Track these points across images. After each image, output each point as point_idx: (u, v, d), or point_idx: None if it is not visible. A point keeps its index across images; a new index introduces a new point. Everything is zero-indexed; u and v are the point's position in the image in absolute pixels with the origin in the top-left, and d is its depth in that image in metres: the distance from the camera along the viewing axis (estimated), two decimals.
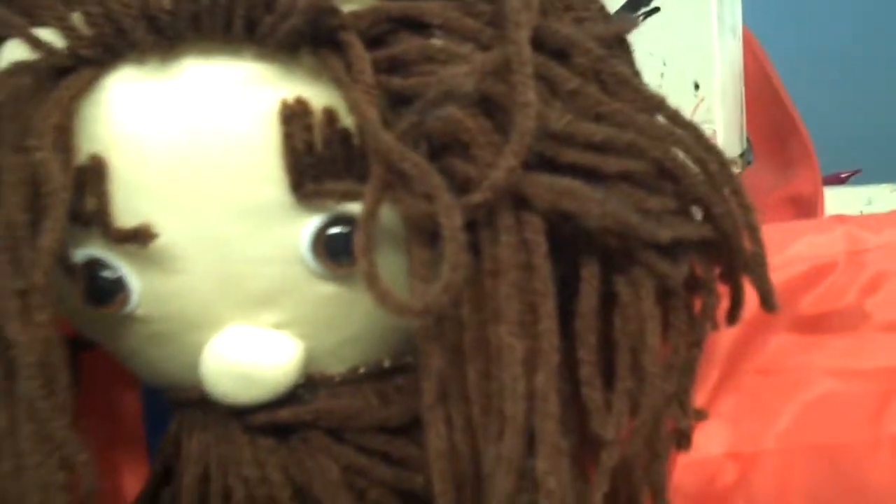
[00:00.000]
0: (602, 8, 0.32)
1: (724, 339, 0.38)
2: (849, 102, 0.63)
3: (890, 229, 0.39)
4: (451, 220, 0.25)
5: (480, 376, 0.27)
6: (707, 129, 0.55)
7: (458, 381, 0.27)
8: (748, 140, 0.58)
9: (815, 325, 0.39)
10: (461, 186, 0.26)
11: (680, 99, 0.54)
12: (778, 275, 0.38)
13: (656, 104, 0.30)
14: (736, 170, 0.57)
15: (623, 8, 0.59)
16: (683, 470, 0.39)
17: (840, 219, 0.41)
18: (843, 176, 0.65)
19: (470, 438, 0.28)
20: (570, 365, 0.29)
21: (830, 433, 0.38)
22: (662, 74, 0.58)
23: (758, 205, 0.49)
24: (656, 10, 0.58)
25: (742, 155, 0.57)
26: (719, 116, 0.56)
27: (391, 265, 0.28)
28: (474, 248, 0.27)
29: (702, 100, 0.56)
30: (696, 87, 0.57)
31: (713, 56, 0.56)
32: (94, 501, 0.30)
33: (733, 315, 0.33)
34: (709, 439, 0.39)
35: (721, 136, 0.56)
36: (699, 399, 0.38)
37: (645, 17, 0.59)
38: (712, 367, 0.39)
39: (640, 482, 0.31)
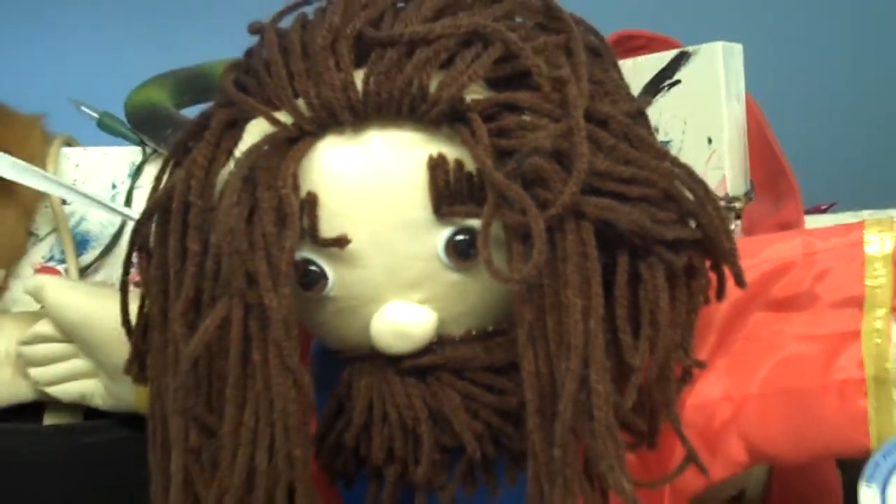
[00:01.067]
0: (629, 92, 0.48)
1: (718, 314, 0.53)
2: (828, 150, 0.77)
3: (833, 238, 0.54)
4: (538, 225, 0.41)
5: (555, 323, 0.42)
6: (719, 173, 0.70)
7: (541, 328, 0.43)
8: (751, 181, 0.71)
9: (782, 305, 0.53)
10: (542, 205, 0.42)
11: (697, 151, 0.69)
12: (755, 270, 0.53)
13: (664, 153, 0.45)
14: (740, 204, 0.71)
15: (652, 80, 0.72)
16: (691, 410, 0.53)
17: (799, 232, 0.56)
18: (822, 208, 0.79)
19: (548, 364, 0.43)
20: (611, 319, 0.44)
21: (795, 381, 0.52)
22: (684, 132, 0.70)
23: (756, 229, 0.64)
24: (678, 82, 0.70)
25: (746, 193, 0.70)
26: (728, 164, 0.68)
27: (497, 258, 0.44)
28: (551, 244, 0.42)
29: (714, 151, 0.69)
30: (710, 141, 0.69)
31: (722, 117, 0.68)
32: (312, 412, 0.45)
33: (720, 293, 0.49)
34: (709, 387, 0.54)
35: (729, 179, 0.68)
36: (701, 355, 0.52)
37: (669, 88, 0.72)
38: (710, 334, 0.53)
39: (657, 398, 0.47)
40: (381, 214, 0.44)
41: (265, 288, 0.43)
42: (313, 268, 0.45)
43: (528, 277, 0.41)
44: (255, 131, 0.46)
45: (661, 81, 0.72)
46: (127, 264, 0.51)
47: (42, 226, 0.70)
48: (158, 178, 0.48)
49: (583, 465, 0.44)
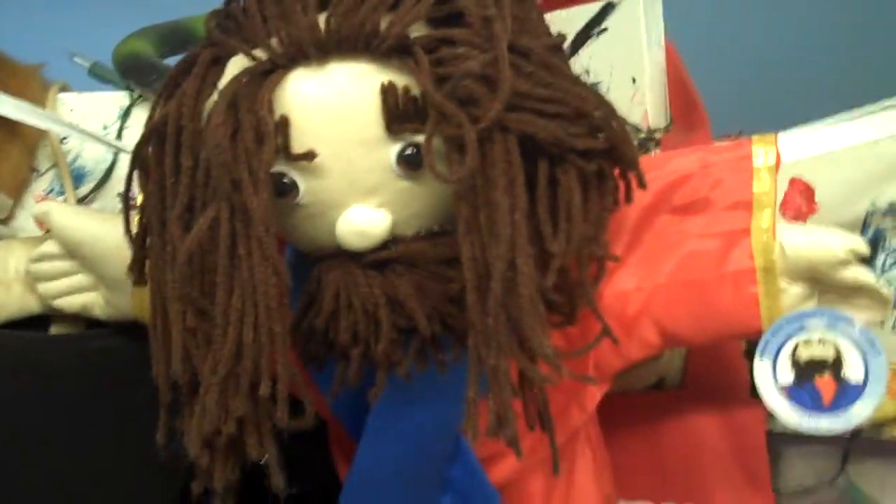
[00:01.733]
0: (547, 30, 0.57)
1: (629, 219, 0.62)
2: (736, 87, 0.86)
3: (725, 153, 0.63)
4: (471, 136, 0.50)
5: (487, 218, 0.51)
6: (641, 109, 0.78)
7: (475, 222, 0.51)
8: (670, 115, 0.78)
9: (684, 209, 0.62)
10: (474, 120, 0.50)
11: (623, 90, 0.78)
12: (659, 181, 0.63)
13: (576, 80, 0.54)
14: (660, 135, 0.80)
15: (583, 28, 0.79)
16: (609, 299, 0.62)
17: (697, 148, 0.65)
18: (729, 136, 0.88)
19: (482, 251, 0.51)
20: (534, 216, 0.53)
21: (697, 272, 0.61)
22: (611, 74, 0.78)
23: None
24: (605, 30, 0.78)
25: (666, 126, 0.77)
26: (649, 101, 0.77)
27: (440, 168, 0.52)
28: (482, 152, 0.51)
29: (637, 90, 0.77)
30: (634, 81, 0.77)
31: (644, 60, 0.76)
32: (288, 300, 0.54)
33: (628, 196, 0.58)
34: (624, 280, 0.63)
35: (651, 114, 0.76)
36: (616, 252, 0.61)
37: (598, 35, 0.79)
38: (623, 235, 0.62)
39: (574, 280, 0.56)
40: (342, 133, 0.53)
41: (248, 193, 0.51)
42: (286, 180, 0.53)
43: (463, 178, 0.50)
44: (235, 67, 0.54)
45: (591, 29, 0.79)
46: (128, 184, 0.59)
47: (43, 162, 0.79)
48: (153, 109, 0.57)
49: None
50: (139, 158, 0.57)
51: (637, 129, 0.76)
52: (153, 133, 0.55)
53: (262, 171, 0.51)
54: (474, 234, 0.52)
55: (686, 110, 0.79)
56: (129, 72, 0.79)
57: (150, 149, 0.56)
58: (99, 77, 0.80)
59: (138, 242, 0.59)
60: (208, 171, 0.52)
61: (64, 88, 0.79)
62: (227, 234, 0.52)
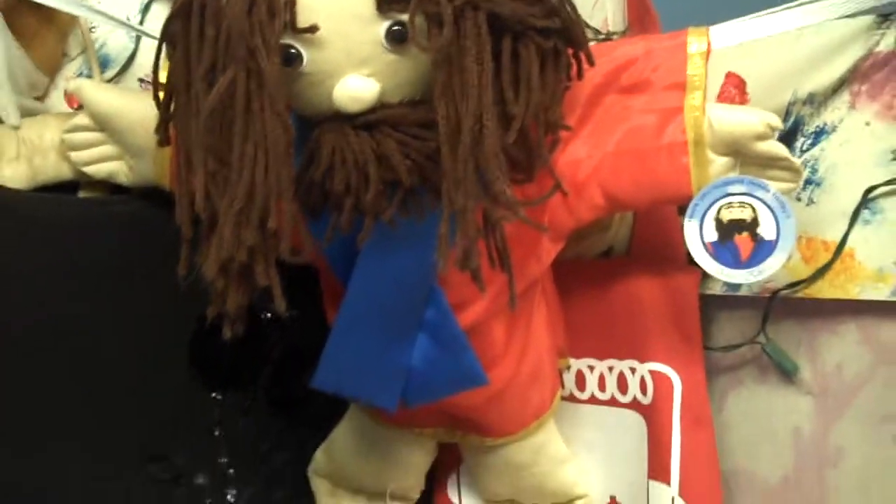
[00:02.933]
0: None
1: (581, 96, 0.71)
2: None
3: (665, 41, 0.73)
4: (447, 12, 0.60)
5: (459, 81, 0.61)
6: (602, 14, 0.87)
7: (449, 85, 0.61)
8: (627, 20, 0.87)
9: (628, 89, 0.72)
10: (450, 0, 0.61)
11: None
12: (608, 65, 0.72)
13: None
14: (618, 37, 0.89)
15: None
16: (563, 166, 0.71)
17: (641, 38, 0.76)
18: None
19: (455, 110, 0.60)
20: (498, 84, 0.63)
21: (638, 143, 0.71)
22: None
23: None
24: None
25: (624, 31, 0.86)
26: (609, 7, 0.86)
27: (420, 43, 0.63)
28: (456, 27, 0.61)
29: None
30: None
31: None
32: (293, 151, 0.63)
33: (580, 72, 0.68)
34: (576, 149, 0.72)
35: (610, 20, 0.85)
36: (570, 124, 0.71)
37: None
38: (576, 109, 0.71)
39: (533, 142, 0.66)
40: (339, 10, 0.62)
41: (261, 58, 0.61)
42: (293, 50, 0.63)
43: (441, 48, 0.60)
44: None
45: None
46: (157, 59, 0.69)
47: (73, 48, 0.89)
48: None
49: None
50: (168, 32, 0.67)
51: (597, 32, 0.86)
52: (181, 9, 0.65)
53: (274, 40, 0.61)
54: (448, 95, 0.62)
55: (641, 17, 0.87)
56: None
57: (178, 23, 0.66)
58: None
59: (164, 107, 0.69)
60: (228, 39, 0.62)
61: None
62: (243, 93, 0.61)
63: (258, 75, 0.61)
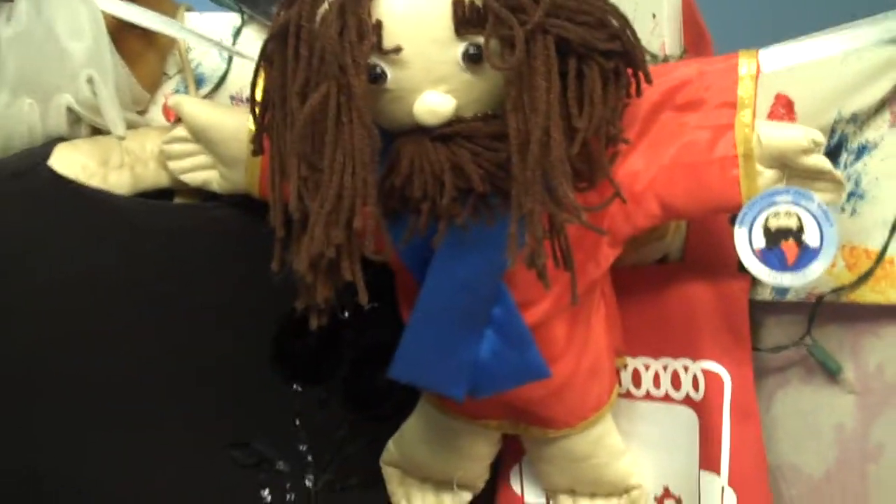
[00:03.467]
0: None
1: (640, 112, 0.77)
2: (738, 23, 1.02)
3: (717, 63, 0.79)
4: (519, 35, 0.66)
5: (529, 97, 0.66)
6: (659, 40, 0.91)
7: (520, 100, 0.66)
8: (683, 45, 0.91)
9: (683, 107, 0.77)
10: (522, 24, 0.66)
11: (644, 23, 0.92)
12: (665, 84, 0.77)
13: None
14: (674, 61, 0.94)
15: None
16: (622, 176, 0.75)
17: (696, 60, 0.82)
18: None
19: (525, 123, 0.66)
20: (565, 100, 0.69)
21: (692, 157, 0.76)
22: (635, 10, 0.88)
23: None
24: None
25: (680, 54, 0.90)
26: (666, 32, 0.88)
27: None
28: (527, 48, 0.68)
29: (657, 24, 0.88)
30: (654, 16, 0.88)
31: None
32: (377, 159, 0.69)
33: (638, 90, 0.74)
34: (634, 161, 0.77)
35: (667, 44, 0.88)
36: (629, 137, 0.76)
37: None
38: (635, 125, 0.77)
39: (595, 154, 0.73)
40: (421, 34, 0.68)
41: (351, 75, 0.67)
42: (378, 69, 0.69)
43: (513, 67, 0.66)
44: None
45: None
46: (255, 76, 0.76)
47: (171, 68, 0.96)
48: (276, 14, 0.74)
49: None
50: (266, 52, 0.73)
51: (654, 56, 0.91)
52: (279, 31, 0.71)
53: (362, 60, 0.67)
54: (519, 110, 0.67)
55: (696, 41, 0.92)
56: None
57: (275, 44, 0.73)
58: (217, 1, 0.96)
59: (260, 119, 0.76)
60: (321, 58, 0.68)
61: (189, 9, 0.95)
62: (334, 106, 0.67)
63: (348, 91, 0.67)
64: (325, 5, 0.69)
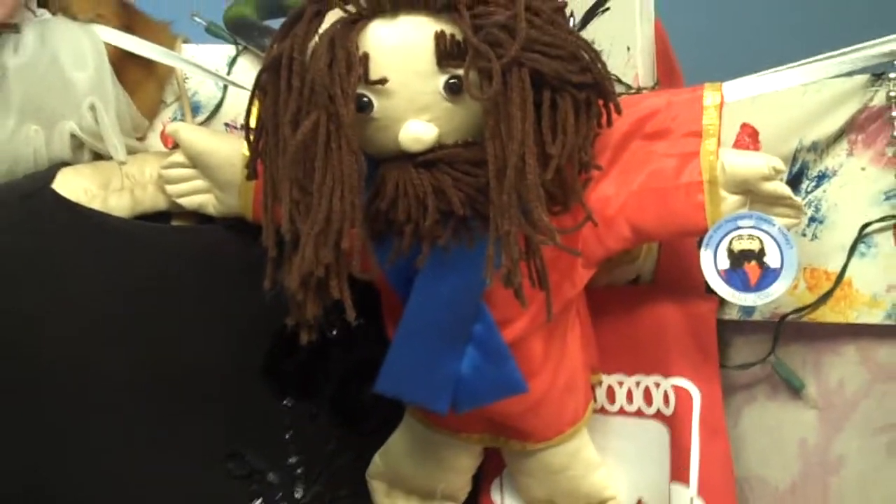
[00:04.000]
0: None
1: (611, 141, 0.81)
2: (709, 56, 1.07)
3: (684, 94, 0.83)
4: (497, 68, 0.70)
5: (506, 126, 0.70)
6: (633, 71, 0.94)
7: (497, 129, 0.70)
8: (656, 76, 0.95)
9: (652, 136, 0.81)
10: (499, 57, 0.71)
11: (620, 56, 0.96)
12: (635, 114, 0.82)
13: (572, 32, 0.74)
14: (648, 92, 0.99)
15: (590, 8, 0.96)
16: (594, 202, 0.79)
17: (665, 91, 0.86)
18: None
19: (502, 149, 0.70)
20: (539, 128, 0.73)
21: (660, 183, 0.80)
22: (611, 43, 0.93)
23: None
24: (608, 8, 0.94)
25: (653, 85, 0.94)
26: (640, 64, 0.93)
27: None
28: (504, 80, 0.72)
29: (631, 56, 0.92)
30: (628, 49, 0.92)
31: (636, 33, 0.92)
32: (364, 184, 0.74)
33: (609, 120, 0.79)
34: (606, 187, 0.81)
35: (641, 75, 0.92)
36: (601, 164, 0.81)
37: (602, 13, 0.95)
38: (607, 152, 0.81)
39: (568, 179, 0.77)
40: (405, 66, 0.72)
41: (339, 104, 0.71)
42: (365, 99, 0.73)
43: (490, 98, 0.70)
44: (332, 17, 0.73)
45: (597, 8, 0.96)
46: (249, 105, 0.80)
47: (169, 96, 1.00)
48: (270, 47, 0.78)
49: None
50: (260, 83, 0.78)
51: (629, 87, 0.96)
52: (272, 63, 0.75)
53: (350, 90, 0.71)
54: (496, 137, 0.72)
55: (668, 73, 0.96)
56: (236, 29, 1.00)
57: (269, 76, 0.77)
58: (213, 33, 1.01)
59: (254, 146, 0.80)
60: (312, 89, 0.72)
61: (186, 41, 0.99)
62: (324, 133, 0.71)
63: (337, 119, 0.71)
64: (316, 38, 0.74)
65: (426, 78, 0.72)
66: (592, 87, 0.75)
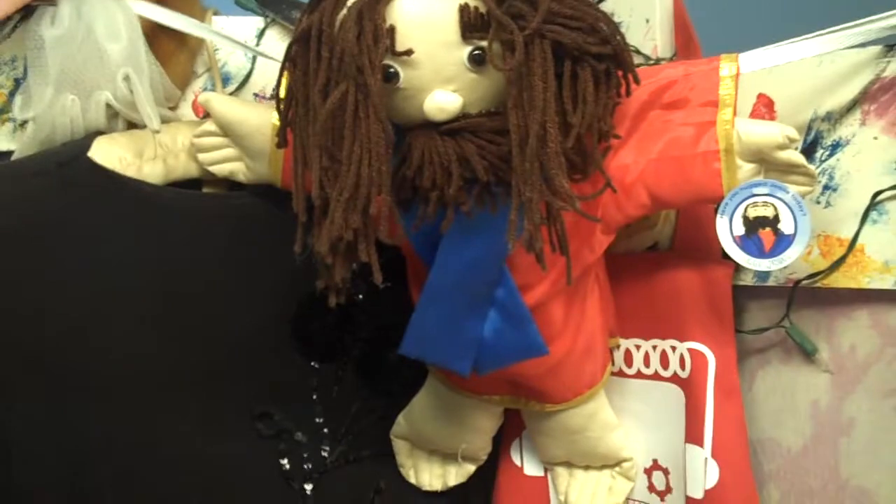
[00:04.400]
0: None
1: (630, 110, 0.83)
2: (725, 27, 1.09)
3: (701, 66, 0.85)
4: (519, 40, 0.72)
5: (528, 96, 0.73)
6: (652, 43, 0.97)
7: (520, 99, 0.72)
8: (675, 47, 0.97)
9: (670, 106, 0.83)
10: (522, 30, 0.73)
11: (638, 28, 0.99)
12: (653, 84, 0.84)
13: (593, 4, 0.78)
14: (666, 63, 1.02)
15: None
16: (613, 170, 0.82)
17: (682, 62, 0.89)
18: None
19: (524, 119, 0.72)
20: (560, 98, 0.76)
21: (678, 151, 0.82)
22: (630, 15, 0.96)
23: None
24: None
25: (672, 56, 0.96)
26: (658, 36, 0.95)
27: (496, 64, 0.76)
28: (526, 51, 0.75)
29: (650, 28, 0.95)
30: (647, 21, 0.95)
31: (655, 4, 0.95)
32: (391, 151, 0.77)
33: (628, 90, 0.81)
34: (625, 155, 0.83)
35: (659, 46, 0.94)
36: (620, 133, 0.83)
37: None
38: (626, 122, 0.83)
39: (588, 148, 0.79)
40: (431, 37, 0.74)
41: (368, 74, 0.73)
42: (392, 69, 0.75)
43: (513, 68, 0.73)
44: None
45: None
46: (280, 75, 0.82)
47: (200, 67, 1.03)
48: (299, 19, 0.80)
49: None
50: (290, 54, 0.80)
51: (647, 58, 0.98)
52: (302, 35, 0.77)
53: (378, 61, 0.73)
54: (519, 108, 0.74)
55: (685, 44, 0.98)
56: (264, 2, 1.03)
57: (299, 47, 0.79)
58: (242, 5, 1.04)
59: (284, 115, 0.82)
60: (341, 59, 0.74)
61: (216, 13, 1.02)
62: (352, 103, 0.74)
63: (365, 89, 0.73)
64: (344, 11, 0.76)
65: (451, 49, 0.74)
66: (612, 58, 0.77)
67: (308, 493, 1.00)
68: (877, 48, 0.86)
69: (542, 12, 0.73)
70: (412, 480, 1.04)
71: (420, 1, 0.75)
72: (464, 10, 0.74)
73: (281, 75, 0.82)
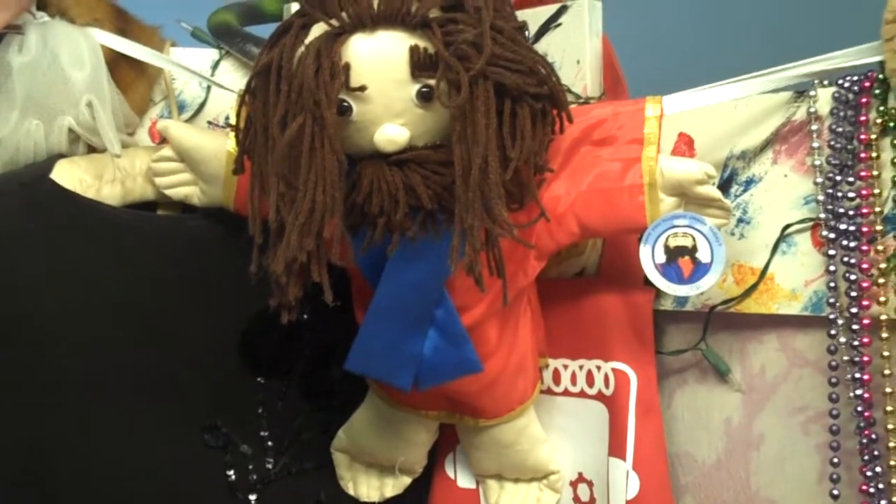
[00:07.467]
0: (516, 17, 0.85)
1: (563, 147, 0.88)
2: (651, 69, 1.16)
3: (629, 106, 0.92)
4: (465, 80, 0.77)
5: (471, 131, 0.78)
6: (582, 83, 1.01)
7: (464, 134, 0.78)
8: (603, 87, 1.02)
9: (599, 142, 0.89)
10: (467, 70, 0.78)
11: (570, 68, 1.03)
12: (584, 123, 0.89)
13: (531, 49, 0.82)
14: (595, 101, 1.06)
15: (544, 23, 1.02)
16: (546, 200, 0.86)
17: (611, 103, 0.95)
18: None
19: (467, 152, 0.77)
20: (500, 134, 0.81)
21: (606, 184, 0.88)
22: (563, 56, 1.00)
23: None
24: (560, 24, 1.00)
25: (600, 95, 1.01)
26: (588, 77, 1.00)
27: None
28: (471, 90, 0.79)
29: (580, 69, 0.99)
30: (578, 62, 0.99)
31: (586, 47, 0.99)
32: (343, 180, 0.82)
33: (562, 127, 0.87)
34: (557, 187, 0.88)
35: (589, 86, 0.99)
36: (553, 166, 0.89)
37: (555, 28, 1.02)
38: (558, 157, 0.88)
39: (525, 180, 0.84)
40: (383, 75, 0.79)
41: (324, 108, 0.77)
42: (345, 104, 0.79)
43: (458, 106, 0.78)
44: (317, 29, 0.80)
45: (550, 24, 1.02)
46: (239, 105, 0.87)
47: (157, 94, 1.08)
48: (260, 55, 0.85)
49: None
50: (250, 87, 0.85)
51: (578, 97, 1.04)
52: (263, 69, 0.82)
53: (334, 96, 0.78)
54: (463, 142, 0.79)
55: (613, 85, 1.04)
56: (219, 35, 1.08)
57: (259, 80, 0.84)
58: (198, 38, 1.09)
59: (242, 143, 0.87)
60: (299, 93, 0.79)
61: (174, 44, 1.06)
62: (309, 134, 0.78)
63: (321, 121, 0.78)
64: (303, 48, 0.81)
65: (401, 86, 0.78)
66: (548, 97, 0.83)
67: (252, 503, 1.03)
68: (787, 94, 0.93)
69: (486, 55, 0.78)
70: (351, 492, 1.08)
71: (374, 41, 0.80)
72: (414, 50, 0.79)
73: (239, 106, 0.86)
